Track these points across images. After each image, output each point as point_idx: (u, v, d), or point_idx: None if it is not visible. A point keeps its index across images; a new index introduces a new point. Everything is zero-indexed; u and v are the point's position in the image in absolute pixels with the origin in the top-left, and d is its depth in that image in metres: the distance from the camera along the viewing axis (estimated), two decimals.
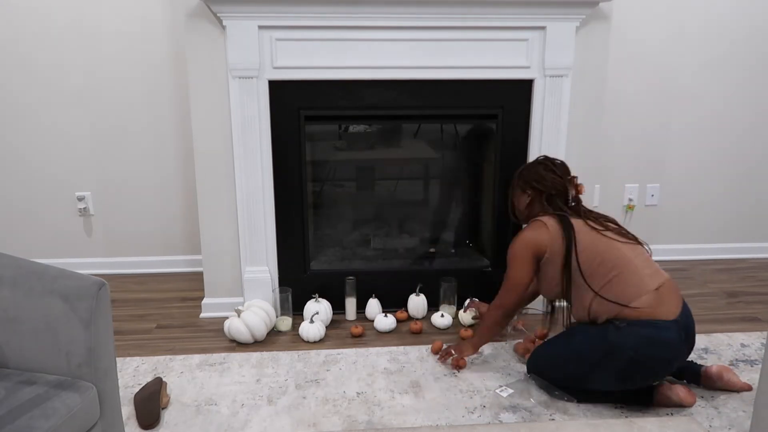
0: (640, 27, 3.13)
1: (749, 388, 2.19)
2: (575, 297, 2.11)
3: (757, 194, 3.46)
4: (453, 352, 2.34)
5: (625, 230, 2.18)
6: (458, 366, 2.32)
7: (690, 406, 2.08)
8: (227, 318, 2.59)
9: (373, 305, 2.73)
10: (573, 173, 2.29)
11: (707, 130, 3.34)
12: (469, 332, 2.56)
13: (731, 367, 2.35)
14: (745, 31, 3.20)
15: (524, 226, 2.32)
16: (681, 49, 3.19)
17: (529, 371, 2.25)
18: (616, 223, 2.21)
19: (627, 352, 1.96)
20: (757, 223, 3.50)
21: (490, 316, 2.25)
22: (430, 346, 2.49)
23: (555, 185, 2.25)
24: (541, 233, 2.14)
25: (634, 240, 2.15)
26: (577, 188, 2.27)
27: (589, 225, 2.13)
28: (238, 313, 2.52)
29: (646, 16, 3.12)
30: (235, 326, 2.49)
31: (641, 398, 2.10)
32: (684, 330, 2.01)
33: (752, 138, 3.37)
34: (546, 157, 2.36)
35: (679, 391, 2.08)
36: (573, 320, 2.22)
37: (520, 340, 2.48)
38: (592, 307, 2.07)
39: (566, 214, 2.17)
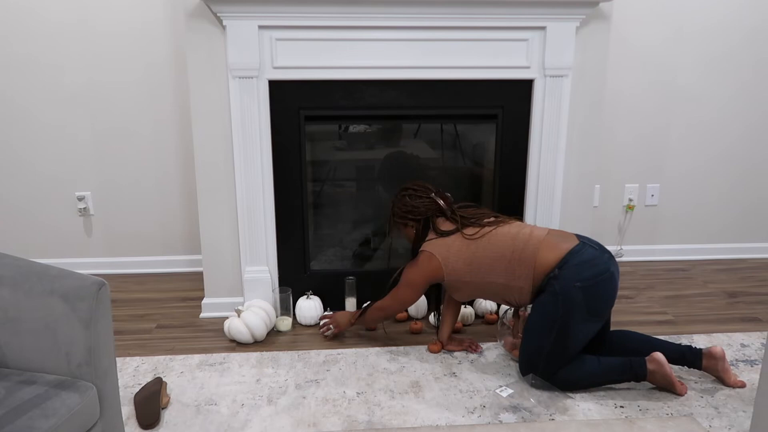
0: (640, 27, 3.13)
1: (743, 385, 2.21)
2: (498, 294, 2.27)
3: (757, 194, 3.46)
4: (331, 326, 2.55)
5: (494, 213, 2.36)
6: (335, 334, 2.55)
7: (681, 394, 2.15)
8: (227, 318, 2.59)
9: None
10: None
11: (707, 130, 3.34)
12: (459, 324, 2.60)
13: (731, 366, 2.35)
14: (745, 31, 3.20)
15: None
16: (681, 49, 3.19)
17: (523, 373, 2.25)
18: (484, 210, 2.38)
19: (575, 287, 2.09)
20: (757, 223, 3.50)
21: (373, 315, 2.45)
22: (429, 346, 2.50)
23: (428, 208, 2.36)
24: (434, 263, 2.28)
25: (505, 218, 2.32)
26: (445, 199, 2.39)
27: (464, 235, 2.27)
28: (238, 313, 2.52)
29: (646, 16, 3.13)
30: (235, 326, 2.49)
31: (634, 371, 2.16)
32: (593, 244, 2.18)
33: (752, 138, 3.37)
34: (404, 187, 2.43)
35: (668, 368, 2.14)
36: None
37: (508, 336, 2.48)
38: (514, 288, 2.21)
39: (446, 231, 2.30)
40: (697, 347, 2.25)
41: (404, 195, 2.40)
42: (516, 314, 2.47)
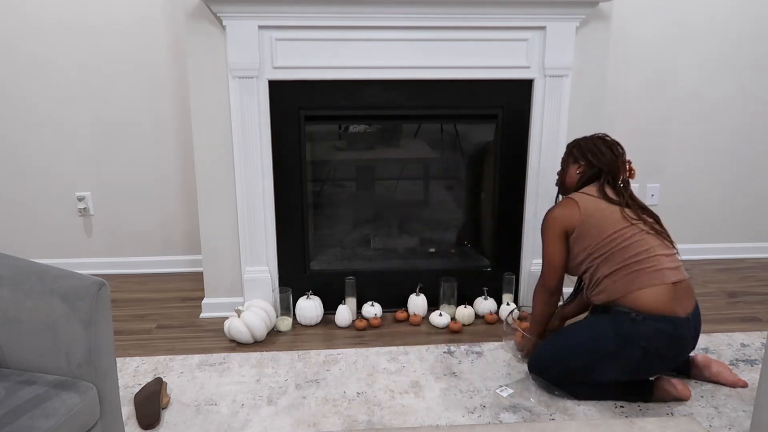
0: (640, 27, 3.13)
1: (744, 385, 2.20)
2: (589, 275, 2.13)
3: (757, 194, 3.46)
4: (521, 349, 2.37)
5: (661, 227, 2.15)
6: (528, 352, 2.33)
7: (686, 399, 2.11)
8: (227, 318, 2.59)
9: (376, 306, 2.74)
10: (636, 175, 2.26)
11: (707, 130, 3.34)
12: (458, 325, 2.63)
13: (731, 366, 2.35)
14: (745, 30, 3.20)
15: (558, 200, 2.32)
16: (681, 48, 3.19)
17: (531, 370, 2.24)
18: (655, 218, 2.17)
19: (640, 343, 1.98)
20: (757, 223, 3.50)
21: (537, 299, 2.26)
22: (429, 346, 2.50)
23: (609, 163, 2.21)
24: (571, 210, 2.13)
25: (666, 237, 2.13)
26: (630, 172, 2.24)
27: (624, 214, 2.10)
28: (238, 313, 2.52)
29: (647, 16, 3.12)
30: (235, 326, 2.49)
31: (641, 393, 2.11)
32: (694, 328, 2.05)
33: (752, 138, 3.37)
34: (606, 135, 2.29)
35: (678, 385, 2.10)
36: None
37: (518, 330, 2.41)
38: (600, 285, 2.08)
39: (610, 197, 2.14)
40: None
41: (599, 138, 2.25)
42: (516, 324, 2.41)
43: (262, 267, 2.72)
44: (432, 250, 3.07)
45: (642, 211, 2.16)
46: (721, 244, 3.51)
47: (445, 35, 2.52)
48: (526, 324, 2.49)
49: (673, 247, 2.12)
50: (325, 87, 2.56)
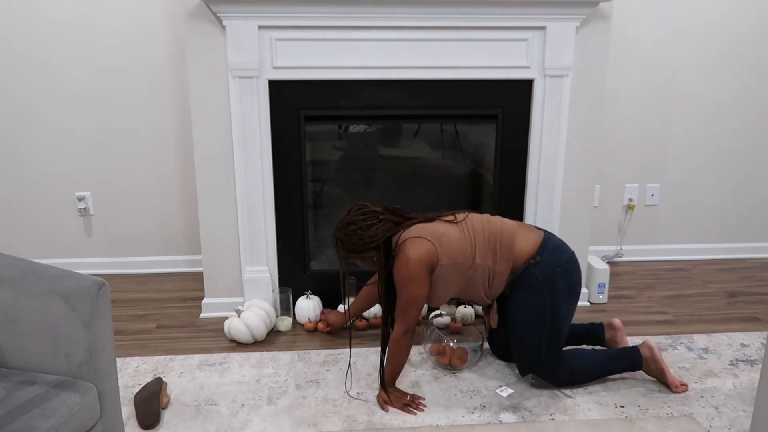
0: (640, 27, 3.13)
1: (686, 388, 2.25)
2: (474, 281, 2.15)
3: (757, 194, 3.46)
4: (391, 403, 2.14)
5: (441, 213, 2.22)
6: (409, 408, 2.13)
7: (674, 391, 2.21)
8: (227, 318, 2.59)
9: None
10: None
11: (707, 130, 3.34)
12: (459, 325, 2.63)
13: (731, 367, 2.35)
14: (745, 30, 3.20)
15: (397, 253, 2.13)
16: (681, 48, 3.19)
17: (523, 374, 2.24)
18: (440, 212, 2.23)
19: (556, 272, 2.11)
20: (757, 223, 3.50)
21: (404, 346, 2.11)
22: (427, 344, 2.49)
23: (384, 231, 2.10)
24: (424, 245, 2.05)
25: (455, 212, 2.21)
26: (396, 212, 2.17)
27: (443, 219, 2.17)
28: (238, 313, 2.52)
29: (647, 16, 3.12)
30: (235, 326, 2.49)
31: (630, 359, 2.22)
32: (552, 233, 2.24)
33: (752, 138, 3.37)
34: (348, 221, 2.12)
35: (669, 375, 2.22)
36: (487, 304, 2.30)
37: (435, 344, 2.39)
38: (495, 273, 2.14)
39: (423, 220, 2.18)
40: (599, 322, 2.39)
41: (354, 229, 2.09)
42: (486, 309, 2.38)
43: (262, 267, 2.72)
44: None
45: (429, 214, 2.21)
46: (721, 244, 3.51)
47: (445, 35, 2.52)
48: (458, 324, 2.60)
49: (464, 212, 2.22)
50: (325, 87, 2.56)
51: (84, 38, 2.97)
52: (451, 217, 2.17)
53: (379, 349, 2.20)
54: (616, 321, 2.36)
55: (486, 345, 2.45)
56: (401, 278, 2.06)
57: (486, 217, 2.21)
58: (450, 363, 2.33)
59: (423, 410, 2.10)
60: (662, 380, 2.21)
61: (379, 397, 2.14)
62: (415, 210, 2.28)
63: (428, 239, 2.07)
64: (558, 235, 2.77)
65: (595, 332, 2.38)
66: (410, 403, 2.11)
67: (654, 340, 2.44)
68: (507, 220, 2.21)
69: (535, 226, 2.25)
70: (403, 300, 2.08)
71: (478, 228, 2.15)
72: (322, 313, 2.65)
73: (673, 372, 2.30)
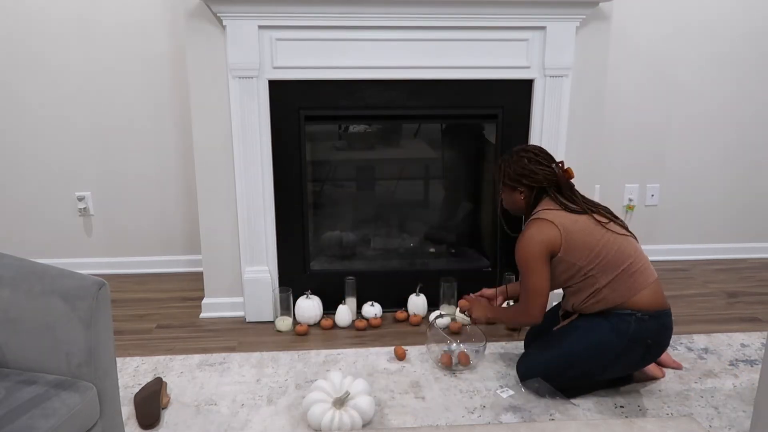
0: (640, 27, 3.13)
1: (679, 367, 2.31)
2: (579, 287, 2.10)
3: (757, 194, 3.46)
4: (471, 308, 2.28)
5: (619, 220, 2.17)
6: (476, 321, 2.27)
7: (661, 377, 2.25)
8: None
9: (376, 307, 2.74)
10: (573, 173, 2.22)
11: (707, 130, 3.33)
12: (458, 325, 2.62)
13: (731, 367, 2.35)
14: (745, 29, 3.20)
15: (524, 223, 2.25)
16: (681, 48, 3.19)
17: (523, 379, 2.20)
18: (612, 213, 2.17)
19: (647, 341, 2.04)
20: (757, 223, 3.50)
21: (514, 316, 2.23)
22: (429, 345, 2.49)
23: (546, 178, 2.12)
24: (551, 232, 2.05)
25: (628, 232, 2.14)
26: (567, 172, 2.16)
27: (596, 220, 2.08)
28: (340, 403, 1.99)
29: (647, 16, 3.12)
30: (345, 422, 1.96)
31: (621, 379, 2.20)
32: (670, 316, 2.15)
33: (752, 138, 3.37)
34: (524, 148, 2.19)
35: (650, 366, 2.22)
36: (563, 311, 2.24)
37: (445, 351, 2.38)
38: (599, 295, 2.06)
39: (572, 207, 2.10)
40: None
41: (522, 156, 2.13)
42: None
43: (262, 267, 2.72)
44: (432, 250, 3.07)
45: (605, 210, 2.16)
46: (721, 244, 3.51)
47: (445, 35, 2.52)
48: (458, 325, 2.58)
49: (635, 239, 2.15)
50: (325, 87, 2.56)
51: (84, 38, 2.97)
52: (603, 220, 2.08)
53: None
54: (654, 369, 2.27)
55: (487, 346, 2.44)
56: (520, 257, 2.09)
57: (638, 248, 2.10)
58: (452, 364, 2.33)
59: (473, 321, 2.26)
60: (653, 378, 2.25)
61: (473, 305, 2.28)
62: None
63: (558, 227, 2.04)
64: None
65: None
66: (470, 315, 2.26)
67: None
68: (652, 270, 2.09)
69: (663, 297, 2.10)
70: (525, 285, 2.10)
71: (626, 250, 2.05)
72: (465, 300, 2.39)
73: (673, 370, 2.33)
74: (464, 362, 2.34)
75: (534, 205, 2.16)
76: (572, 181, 2.19)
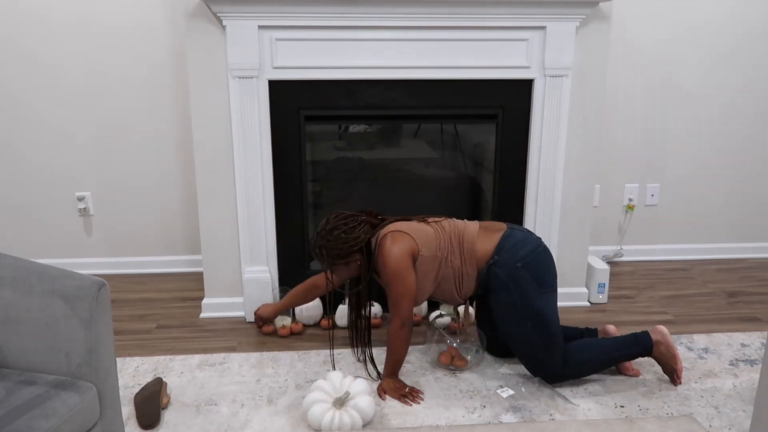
0: (641, 26, 3.13)
1: (636, 374, 2.29)
2: (447, 278, 2.22)
3: (757, 194, 3.46)
4: (386, 393, 2.18)
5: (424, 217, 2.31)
6: (413, 399, 2.16)
7: (635, 375, 2.28)
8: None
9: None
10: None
11: (707, 130, 3.33)
12: (458, 325, 2.61)
13: (731, 367, 2.35)
14: (746, 30, 3.20)
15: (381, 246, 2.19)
16: (681, 48, 3.19)
17: (534, 375, 2.26)
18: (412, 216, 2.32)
19: (517, 267, 2.15)
20: (757, 223, 3.50)
21: (396, 339, 2.15)
22: (429, 345, 2.49)
23: (366, 232, 2.15)
24: (404, 237, 2.15)
25: (426, 216, 2.29)
26: (372, 214, 2.24)
27: (419, 219, 2.26)
28: (340, 403, 1.99)
29: (647, 16, 3.12)
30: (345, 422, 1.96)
31: (641, 341, 2.23)
32: (519, 228, 2.26)
33: (753, 138, 3.37)
34: (327, 229, 2.14)
35: (627, 366, 2.29)
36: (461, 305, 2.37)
37: (444, 350, 2.38)
38: (463, 270, 2.20)
39: (396, 218, 2.26)
40: (593, 327, 2.40)
41: (338, 234, 2.11)
42: (464, 307, 2.44)
43: (262, 267, 2.72)
44: None
45: (402, 216, 2.29)
46: (721, 244, 3.51)
47: (446, 35, 2.52)
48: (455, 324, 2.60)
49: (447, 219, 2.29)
50: (325, 87, 2.56)
51: (84, 38, 2.97)
52: (421, 218, 2.27)
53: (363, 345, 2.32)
54: (611, 327, 2.37)
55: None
56: (388, 273, 2.12)
57: (453, 220, 2.29)
58: (452, 363, 2.33)
59: (419, 402, 2.13)
60: (672, 365, 2.21)
61: (379, 387, 2.19)
62: (418, 209, 2.29)
63: (406, 232, 2.17)
64: (557, 235, 2.78)
65: (588, 337, 2.37)
66: (407, 395, 2.15)
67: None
68: (471, 223, 2.27)
69: (502, 223, 2.29)
70: (393, 294, 2.13)
71: (447, 229, 2.23)
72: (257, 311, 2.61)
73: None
74: (464, 360, 2.34)
75: (370, 257, 2.16)
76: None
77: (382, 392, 2.17)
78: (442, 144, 3.02)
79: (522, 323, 2.17)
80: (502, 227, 2.25)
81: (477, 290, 2.26)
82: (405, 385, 2.19)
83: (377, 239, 2.18)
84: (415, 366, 2.37)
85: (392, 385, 2.18)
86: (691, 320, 2.76)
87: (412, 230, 2.19)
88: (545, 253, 2.22)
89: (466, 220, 2.30)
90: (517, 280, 2.15)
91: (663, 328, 2.23)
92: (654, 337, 2.21)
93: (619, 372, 2.29)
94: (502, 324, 2.25)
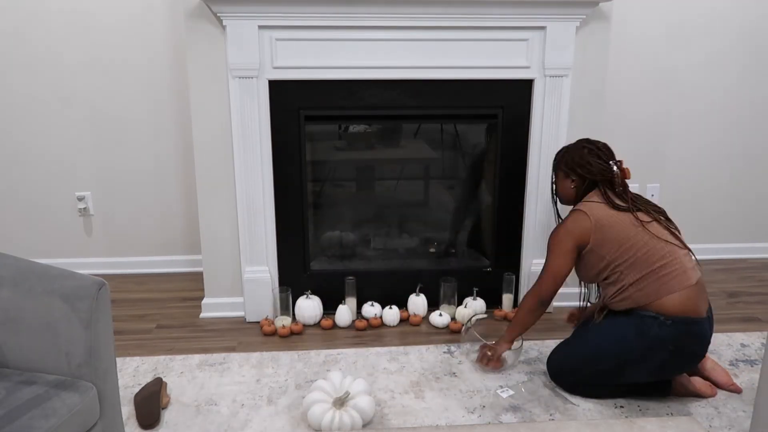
0: (640, 26, 3.13)
1: (738, 390, 2.19)
2: (609, 282, 2.11)
3: (757, 194, 3.46)
4: (489, 353, 2.29)
5: (672, 223, 2.15)
6: (495, 367, 2.29)
7: (710, 396, 2.14)
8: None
9: (376, 306, 2.75)
10: (630, 174, 2.21)
11: (708, 130, 3.33)
12: (458, 325, 2.62)
13: (731, 367, 2.35)
14: (745, 29, 3.19)
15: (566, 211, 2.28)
16: (682, 48, 3.19)
17: (554, 377, 2.21)
18: (663, 214, 2.17)
19: (668, 347, 2.00)
20: (757, 223, 3.50)
21: (526, 304, 2.22)
22: (429, 346, 2.50)
23: (601, 171, 2.16)
24: (584, 223, 2.10)
25: (679, 234, 2.13)
26: (624, 172, 2.18)
27: (636, 217, 2.07)
28: (340, 403, 1.99)
29: (647, 16, 3.12)
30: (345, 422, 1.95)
31: (659, 389, 2.13)
32: (711, 322, 2.09)
33: (753, 138, 3.37)
34: (588, 140, 2.24)
35: (697, 383, 2.14)
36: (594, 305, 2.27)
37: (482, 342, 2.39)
38: (625, 292, 2.06)
39: (616, 203, 2.11)
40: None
41: (584, 147, 2.20)
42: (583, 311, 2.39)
43: (262, 267, 2.72)
44: (432, 250, 3.07)
45: (651, 208, 2.15)
46: (721, 244, 3.50)
47: (446, 35, 2.52)
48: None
49: (686, 245, 2.11)
50: (325, 87, 2.56)
51: (84, 39, 2.96)
52: (646, 219, 2.08)
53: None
54: (707, 364, 2.21)
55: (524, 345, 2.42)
56: (551, 240, 2.18)
57: (681, 253, 2.06)
58: (487, 365, 2.31)
59: (496, 368, 2.29)
60: (697, 395, 2.15)
61: (486, 347, 2.31)
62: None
63: (591, 219, 2.09)
64: None
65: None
66: (489, 363, 2.28)
67: None
68: (692, 274, 2.04)
69: (706, 298, 2.08)
70: (546, 267, 2.18)
71: (659, 251, 2.04)
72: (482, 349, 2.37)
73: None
74: (496, 365, 2.31)
75: (582, 197, 2.20)
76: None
77: (488, 351, 2.28)
78: (442, 144, 3.02)
79: (605, 358, 2.07)
80: (705, 308, 2.04)
81: (613, 308, 2.12)
82: (500, 360, 2.28)
83: (586, 198, 2.16)
84: (415, 366, 2.37)
85: (500, 348, 2.27)
86: None
87: (601, 220, 2.07)
88: (692, 363, 2.08)
89: (692, 269, 2.05)
90: (654, 349, 2.00)
91: (683, 376, 2.13)
92: (673, 382, 2.12)
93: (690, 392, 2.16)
94: (595, 335, 2.12)
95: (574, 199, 2.24)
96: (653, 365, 2.03)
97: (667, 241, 2.06)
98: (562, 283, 2.18)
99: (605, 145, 2.23)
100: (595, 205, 2.12)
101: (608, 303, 2.14)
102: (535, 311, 2.21)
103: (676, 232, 2.12)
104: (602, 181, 2.16)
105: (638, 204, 2.13)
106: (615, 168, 2.17)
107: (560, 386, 2.21)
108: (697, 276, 2.06)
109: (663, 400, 2.13)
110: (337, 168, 3.00)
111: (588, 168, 2.17)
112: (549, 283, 2.17)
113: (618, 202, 2.12)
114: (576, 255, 2.14)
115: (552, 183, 2.34)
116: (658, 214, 2.14)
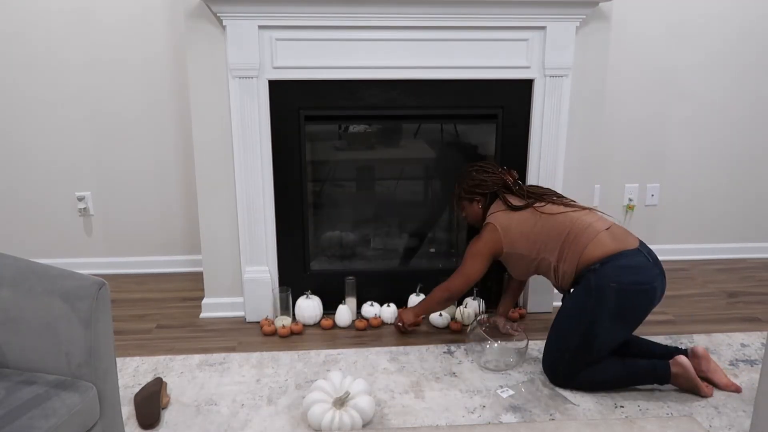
0: (640, 26, 3.13)
1: (737, 390, 2.19)
2: (543, 271, 2.32)
3: (757, 194, 3.46)
4: (400, 324, 2.57)
5: (567, 200, 2.36)
6: (401, 330, 2.58)
7: (707, 396, 2.14)
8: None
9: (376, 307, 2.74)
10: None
11: (708, 129, 3.33)
12: (458, 325, 2.66)
13: (731, 367, 2.35)
14: (745, 29, 3.20)
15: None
16: (682, 48, 3.19)
17: (545, 371, 2.25)
18: (556, 194, 2.39)
19: (611, 286, 2.08)
20: (757, 223, 3.50)
21: (436, 296, 2.46)
22: (429, 346, 2.50)
23: (495, 182, 2.42)
24: (494, 235, 2.33)
25: (577, 207, 2.30)
26: (511, 174, 2.44)
27: (534, 209, 2.30)
28: (340, 403, 1.98)
29: (647, 16, 3.12)
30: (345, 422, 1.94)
31: (658, 377, 2.16)
32: (648, 255, 2.16)
33: (752, 138, 3.37)
34: (471, 163, 2.51)
35: (699, 382, 2.16)
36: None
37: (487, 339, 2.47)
38: (559, 270, 2.24)
39: (516, 206, 2.34)
40: (684, 348, 2.26)
41: (471, 170, 2.46)
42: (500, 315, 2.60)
43: (262, 267, 2.72)
44: (432, 250, 3.06)
45: (542, 192, 2.38)
46: (721, 244, 3.51)
47: (446, 35, 2.52)
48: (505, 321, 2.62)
49: (584, 206, 2.31)
50: (325, 87, 2.56)
51: (84, 39, 2.97)
52: (540, 205, 2.31)
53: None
54: (699, 349, 2.21)
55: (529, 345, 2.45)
56: (469, 250, 2.40)
57: (583, 215, 2.25)
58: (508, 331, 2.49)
59: (400, 326, 2.57)
60: (696, 393, 2.15)
61: (400, 310, 2.61)
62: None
63: (499, 228, 2.33)
64: None
65: (679, 351, 2.23)
66: (405, 329, 2.57)
67: (656, 339, 2.41)
68: (601, 222, 2.22)
69: (637, 239, 2.19)
70: (461, 269, 2.41)
71: (561, 224, 2.23)
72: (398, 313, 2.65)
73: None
74: (515, 332, 2.50)
75: (487, 210, 2.44)
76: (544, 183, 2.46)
77: (398, 323, 2.58)
78: (442, 144, 3.02)
79: (572, 334, 2.16)
80: (631, 243, 2.16)
81: (571, 286, 2.26)
82: (414, 323, 2.56)
83: (502, 202, 2.37)
84: (415, 366, 2.37)
85: (407, 315, 2.55)
86: (691, 320, 2.76)
87: (506, 227, 2.31)
88: (649, 293, 2.10)
89: (599, 219, 2.24)
90: (602, 297, 2.09)
91: (684, 360, 2.12)
92: (674, 369, 2.13)
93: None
94: (555, 322, 2.23)
95: (482, 217, 2.47)
96: (613, 312, 2.10)
97: (563, 213, 2.26)
98: (472, 285, 2.42)
99: (489, 161, 2.54)
100: (498, 215, 2.36)
101: (559, 287, 2.30)
102: (443, 303, 2.48)
103: (571, 202, 2.34)
104: (499, 189, 2.41)
105: (534, 195, 2.37)
106: (503, 174, 2.43)
107: (561, 386, 2.21)
108: (607, 224, 2.22)
109: (663, 399, 2.13)
110: (337, 168, 3.00)
111: (484, 185, 2.43)
112: (460, 282, 2.40)
113: (516, 203, 2.36)
114: (490, 262, 2.38)
115: (463, 217, 2.57)
116: (550, 196, 2.36)
